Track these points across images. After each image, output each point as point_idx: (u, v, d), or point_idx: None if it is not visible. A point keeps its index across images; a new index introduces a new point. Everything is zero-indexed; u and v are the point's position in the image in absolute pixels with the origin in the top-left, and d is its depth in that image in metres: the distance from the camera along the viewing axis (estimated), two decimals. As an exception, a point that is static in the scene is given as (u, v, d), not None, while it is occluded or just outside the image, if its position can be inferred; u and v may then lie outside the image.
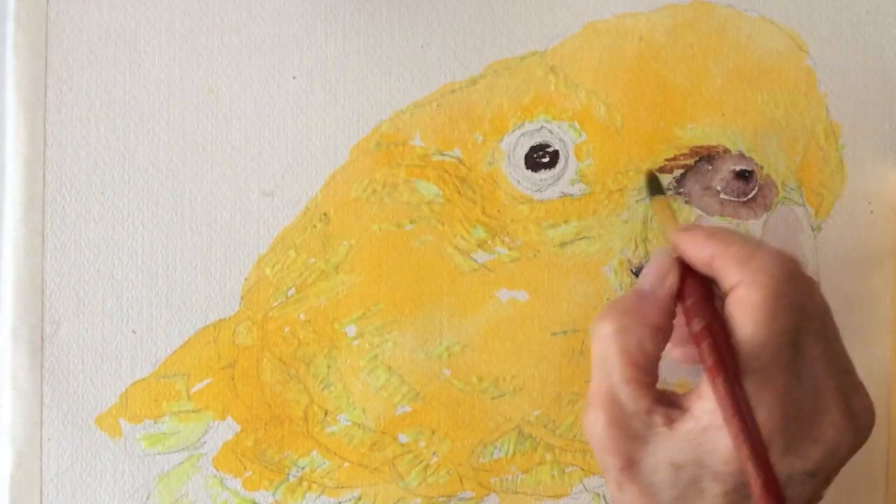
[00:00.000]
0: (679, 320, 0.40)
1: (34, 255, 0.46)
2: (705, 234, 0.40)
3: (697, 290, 0.39)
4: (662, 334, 0.39)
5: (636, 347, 0.38)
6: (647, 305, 0.39)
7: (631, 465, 0.38)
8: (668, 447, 0.38)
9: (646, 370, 0.38)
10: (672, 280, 0.40)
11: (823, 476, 0.39)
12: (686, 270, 0.40)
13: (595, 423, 0.38)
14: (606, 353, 0.38)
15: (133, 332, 0.47)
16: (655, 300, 0.40)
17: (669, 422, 0.38)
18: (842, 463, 0.39)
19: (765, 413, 0.37)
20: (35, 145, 0.46)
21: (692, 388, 0.39)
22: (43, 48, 0.46)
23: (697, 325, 0.38)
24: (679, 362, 0.43)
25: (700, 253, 0.39)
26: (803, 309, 0.38)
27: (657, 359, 0.39)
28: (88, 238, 0.46)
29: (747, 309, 0.37)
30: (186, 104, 0.47)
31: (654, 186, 0.46)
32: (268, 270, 0.47)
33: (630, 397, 0.38)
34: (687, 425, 0.38)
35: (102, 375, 0.46)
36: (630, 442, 0.38)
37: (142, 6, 0.46)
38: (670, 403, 0.39)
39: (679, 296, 0.40)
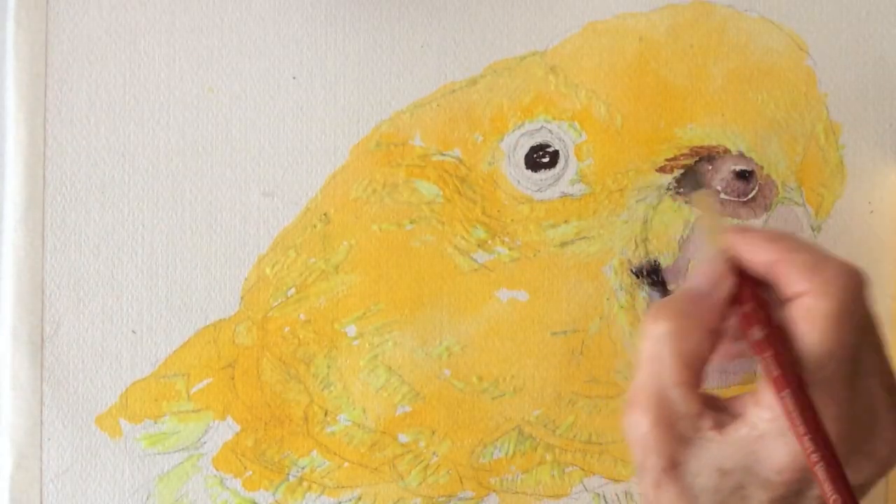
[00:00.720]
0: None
1: (34, 255, 0.46)
2: (767, 237, 0.39)
3: (755, 295, 0.39)
4: (717, 338, 0.39)
5: (692, 350, 0.38)
6: (703, 308, 0.39)
7: (674, 467, 0.38)
8: (715, 452, 0.37)
9: (697, 373, 0.38)
10: (730, 283, 0.39)
11: (868, 486, 0.38)
12: (740, 273, 0.39)
13: (640, 423, 0.38)
14: (661, 353, 0.38)
15: (133, 332, 0.47)
16: (712, 303, 0.39)
17: (718, 426, 0.37)
18: (887, 474, 0.39)
19: (826, 426, 0.36)
20: (35, 145, 0.46)
21: (742, 394, 0.38)
22: (43, 48, 0.46)
23: (759, 334, 0.37)
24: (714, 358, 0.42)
25: (762, 257, 0.39)
26: (865, 322, 0.38)
27: (707, 362, 0.39)
28: (88, 238, 0.46)
29: (816, 319, 0.36)
30: (186, 104, 0.47)
31: (693, 181, 0.46)
32: (268, 270, 0.47)
33: (682, 399, 0.37)
34: (740, 432, 0.37)
35: (102, 375, 0.46)
36: (676, 443, 0.37)
37: (142, 6, 0.46)
38: (719, 408, 0.38)
39: (735, 300, 0.39)
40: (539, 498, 0.49)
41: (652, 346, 0.38)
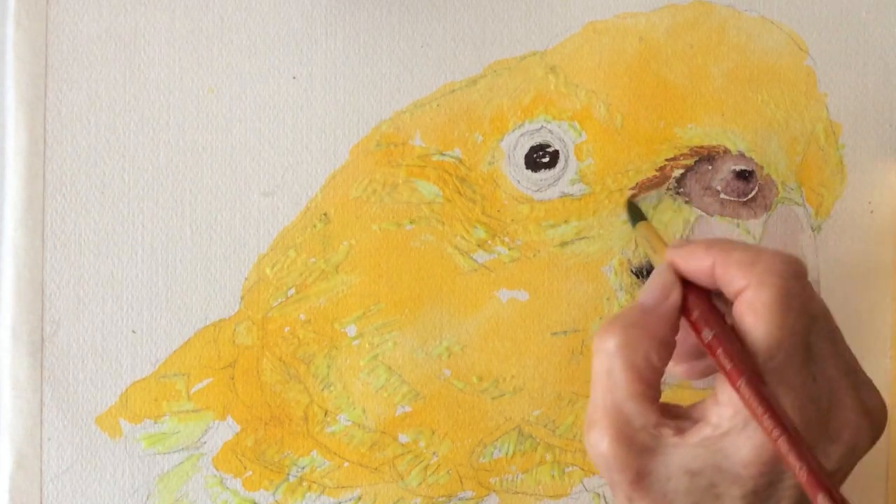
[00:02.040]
0: (681, 336, 0.40)
1: (34, 255, 0.46)
2: (704, 244, 0.40)
3: (702, 301, 0.39)
4: (668, 348, 0.39)
5: (643, 361, 0.38)
6: (652, 320, 0.39)
7: (641, 479, 0.38)
8: (682, 455, 0.37)
9: (651, 384, 0.38)
10: (676, 294, 0.39)
11: (842, 474, 0.39)
12: (686, 285, 0.40)
13: (600, 441, 0.38)
14: (612, 367, 0.38)
15: (133, 332, 0.47)
16: (660, 314, 0.39)
17: (680, 432, 0.37)
18: (857, 460, 0.39)
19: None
20: (35, 145, 0.46)
21: (702, 399, 0.38)
22: (43, 48, 0.46)
23: (708, 335, 0.38)
24: (685, 377, 0.42)
25: (700, 264, 0.39)
26: (811, 309, 0.38)
27: (661, 373, 0.39)
28: (88, 238, 0.46)
29: (758, 309, 0.37)
30: (186, 104, 0.47)
31: (634, 214, 0.47)
32: (268, 270, 0.47)
33: (637, 412, 0.37)
34: (703, 432, 0.37)
35: (102, 375, 0.46)
36: (639, 455, 0.37)
37: (142, 6, 0.46)
38: (678, 415, 0.38)
39: (683, 311, 0.40)
40: (539, 498, 0.49)
41: (603, 361, 0.38)
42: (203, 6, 0.47)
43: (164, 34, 0.47)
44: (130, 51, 0.46)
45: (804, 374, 0.37)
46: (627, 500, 0.38)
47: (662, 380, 0.39)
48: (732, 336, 0.37)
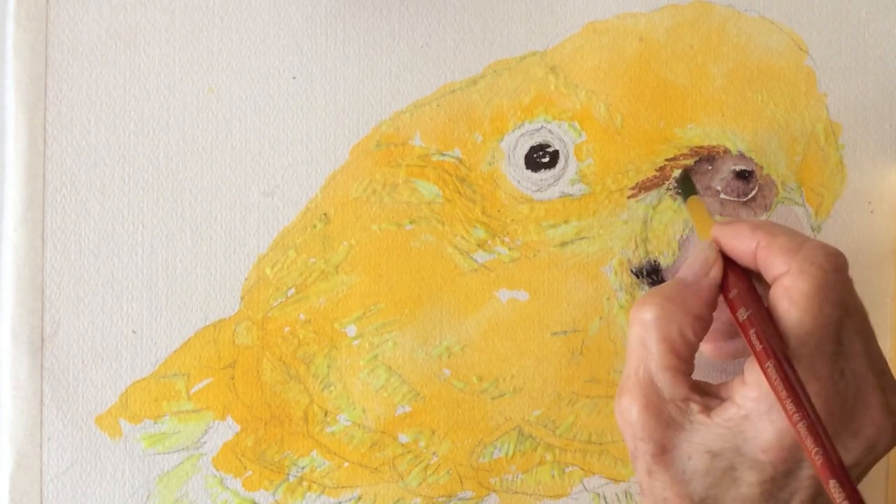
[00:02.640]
0: (716, 314, 0.40)
1: (34, 255, 0.46)
2: (750, 226, 0.40)
3: (741, 281, 0.40)
4: (703, 324, 0.39)
5: (677, 335, 0.38)
6: (690, 294, 0.39)
7: (664, 452, 0.38)
8: (705, 434, 0.38)
9: (684, 359, 0.39)
10: (717, 271, 0.40)
11: (860, 470, 0.39)
12: (728, 263, 0.40)
13: (630, 409, 0.38)
14: (647, 338, 0.38)
15: (133, 332, 0.47)
16: (699, 290, 0.40)
17: (707, 410, 0.38)
18: (877, 459, 0.39)
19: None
20: (35, 145, 0.46)
21: (731, 379, 0.39)
22: (43, 48, 0.46)
23: (743, 315, 0.38)
24: (712, 356, 0.43)
25: (744, 244, 0.40)
26: (847, 304, 0.38)
27: (695, 349, 0.39)
28: (88, 238, 0.46)
29: (794, 297, 0.37)
30: (186, 104, 0.47)
31: (687, 188, 0.47)
32: (268, 270, 0.47)
33: (668, 384, 0.38)
34: (728, 412, 0.38)
35: (102, 375, 0.46)
36: (665, 428, 0.38)
37: (142, 6, 0.46)
38: (707, 393, 0.39)
39: (722, 288, 0.40)
40: (539, 498, 0.49)
41: (638, 332, 0.39)
42: (203, 6, 0.47)
43: (164, 34, 0.47)
44: (130, 51, 0.46)
45: (832, 366, 0.37)
46: (647, 473, 0.38)
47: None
48: (768, 318, 0.38)
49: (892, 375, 0.40)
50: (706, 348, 0.43)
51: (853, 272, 0.40)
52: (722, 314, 0.41)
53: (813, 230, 0.49)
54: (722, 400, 0.38)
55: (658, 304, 0.39)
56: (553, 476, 0.49)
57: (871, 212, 0.50)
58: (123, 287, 0.47)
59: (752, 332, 0.38)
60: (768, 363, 0.36)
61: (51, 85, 0.46)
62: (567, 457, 0.49)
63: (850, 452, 0.38)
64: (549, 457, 0.49)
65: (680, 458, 0.38)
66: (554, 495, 0.49)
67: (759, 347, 0.37)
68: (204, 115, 0.47)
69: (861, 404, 0.38)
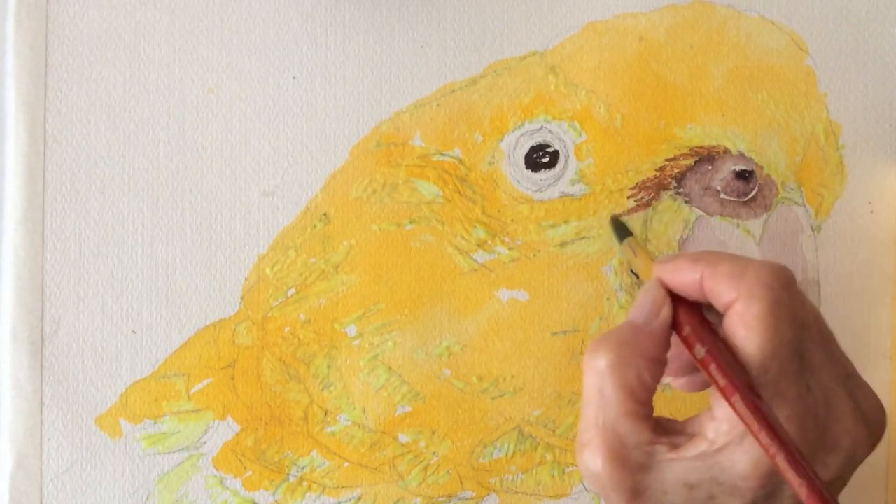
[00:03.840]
0: (676, 351, 0.40)
1: (34, 255, 0.46)
2: (690, 258, 0.39)
3: (693, 317, 0.39)
4: (660, 366, 0.38)
5: (635, 380, 0.37)
6: (643, 337, 0.38)
7: (637, 497, 0.37)
8: (677, 470, 0.37)
9: (644, 402, 0.37)
10: (667, 310, 0.39)
11: (840, 482, 0.38)
12: (676, 300, 0.39)
13: (593, 461, 0.37)
14: (604, 386, 0.37)
15: (133, 332, 0.47)
16: (652, 332, 0.38)
17: (674, 448, 0.37)
18: (857, 467, 0.38)
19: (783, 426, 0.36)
20: (35, 145, 0.46)
21: (698, 414, 0.38)
22: (43, 48, 0.46)
23: (701, 352, 0.37)
24: (686, 391, 0.42)
25: (688, 278, 0.38)
26: (801, 318, 0.37)
27: (654, 391, 0.38)
28: (88, 238, 0.46)
29: (749, 322, 0.36)
30: (186, 104, 0.47)
31: (620, 230, 0.46)
32: (268, 270, 0.47)
33: (630, 430, 0.37)
34: (699, 448, 0.37)
35: (102, 375, 0.46)
36: (634, 474, 0.37)
37: (142, 6, 0.46)
38: (671, 431, 0.38)
39: (675, 326, 0.39)
40: (539, 498, 0.49)
41: (594, 380, 0.38)
42: (203, 6, 0.47)
43: (164, 34, 0.47)
44: (130, 51, 0.46)
45: (799, 384, 0.37)
46: None
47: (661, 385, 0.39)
48: (725, 350, 0.37)
49: (859, 377, 0.39)
50: (679, 384, 0.42)
51: (853, 272, 0.40)
52: (685, 350, 0.39)
53: (813, 230, 0.49)
54: (689, 436, 0.37)
55: (612, 349, 0.38)
56: (553, 476, 0.49)
57: (871, 212, 0.50)
58: (123, 287, 0.47)
59: (712, 367, 0.36)
60: (734, 397, 0.35)
61: (51, 85, 0.46)
62: (567, 457, 0.49)
63: (829, 468, 0.37)
64: (549, 457, 0.49)
65: (655, 497, 0.37)
66: (554, 495, 0.49)
67: (722, 383, 0.36)
68: (204, 115, 0.47)
69: (833, 416, 0.37)
